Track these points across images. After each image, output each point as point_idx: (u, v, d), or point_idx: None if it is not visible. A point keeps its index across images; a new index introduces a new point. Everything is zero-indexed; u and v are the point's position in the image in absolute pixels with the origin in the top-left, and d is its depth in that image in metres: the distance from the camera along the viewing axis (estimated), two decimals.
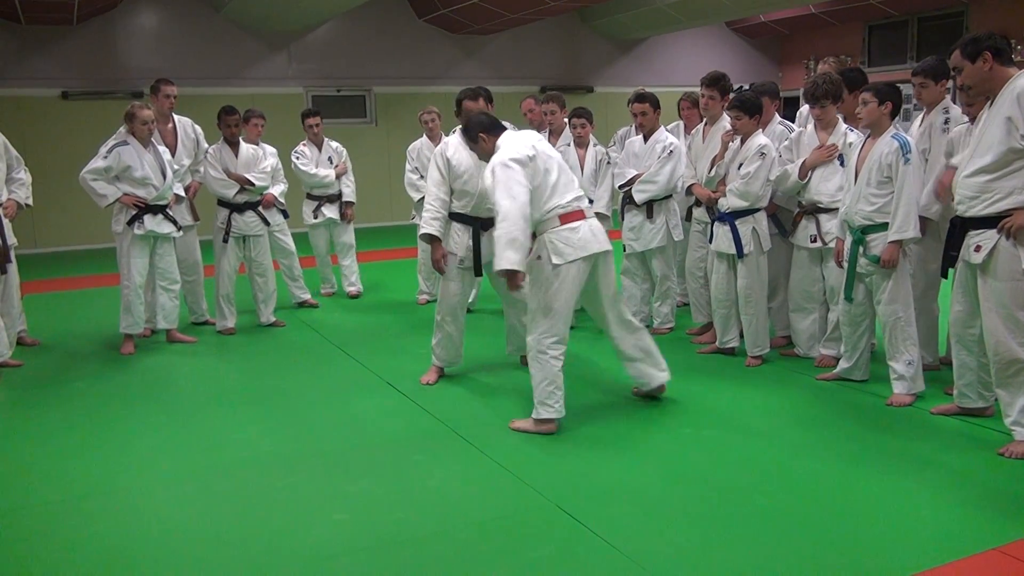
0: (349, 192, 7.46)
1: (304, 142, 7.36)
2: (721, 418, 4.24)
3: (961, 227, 3.76)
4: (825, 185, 4.80)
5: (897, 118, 4.38)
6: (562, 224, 4.03)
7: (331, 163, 7.36)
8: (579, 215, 4.09)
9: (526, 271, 4.03)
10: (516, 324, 4.96)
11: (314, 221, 7.39)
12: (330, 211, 7.38)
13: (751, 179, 4.84)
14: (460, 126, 4.53)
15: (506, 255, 3.87)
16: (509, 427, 4.13)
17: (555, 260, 4.00)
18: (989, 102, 3.64)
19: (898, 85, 4.48)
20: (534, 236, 4.09)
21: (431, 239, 4.74)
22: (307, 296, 7.21)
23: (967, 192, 3.67)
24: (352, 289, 7.58)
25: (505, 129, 4.34)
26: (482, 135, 4.29)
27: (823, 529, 3.05)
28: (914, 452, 3.72)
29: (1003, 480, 3.42)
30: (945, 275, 4.04)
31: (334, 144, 7.48)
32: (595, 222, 4.16)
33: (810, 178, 4.86)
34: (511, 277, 4.00)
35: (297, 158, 7.27)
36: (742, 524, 3.10)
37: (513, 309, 4.95)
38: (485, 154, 4.29)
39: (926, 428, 4.00)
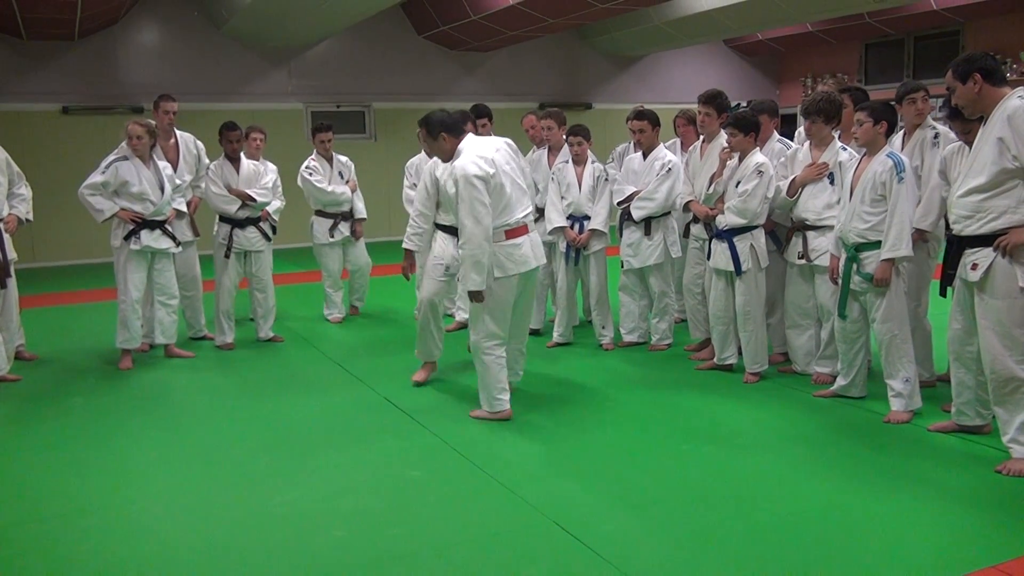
0: (361, 208, 7.21)
1: (313, 156, 7.10)
2: (719, 435, 4.24)
3: (958, 245, 3.78)
4: (813, 202, 4.82)
5: (892, 136, 4.43)
6: (507, 239, 4.42)
7: (342, 178, 7.14)
8: (523, 230, 4.47)
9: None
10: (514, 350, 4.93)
11: (331, 240, 7.07)
12: (346, 229, 7.13)
13: (749, 197, 4.86)
14: (421, 120, 4.65)
15: (471, 277, 4.31)
16: (470, 415, 4.54)
17: (496, 273, 4.38)
18: (983, 122, 3.68)
19: (893, 104, 4.53)
20: None
21: (407, 252, 5.13)
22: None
23: (962, 211, 3.70)
24: (358, 304, 7.49)
25: (466, 133, 4.55)
26: (443, 134, 4.49)
27: (820, 546, 3.05)
28: (911, 469, 3.72)
29: (1000, 498, 3.42)
30: (944, 293, 4.06)
31: (343, 158, 7.27)
32: (535, 236, 4.57)
33: (799, 195, 4.89)
34: (475, 295, 4.40)
35: (310, 174, 6.98)
36: (739, 541, 3.09)
37: (515, 332, 4.88)
38: (443, 153, 4.55)
39: (923, 445, 4.00)
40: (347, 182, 7.17)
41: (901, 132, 4.84)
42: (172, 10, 12.05)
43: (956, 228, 3.76)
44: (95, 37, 11.61)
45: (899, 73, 13.90)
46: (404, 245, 5.13)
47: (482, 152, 4.37)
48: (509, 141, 4.66)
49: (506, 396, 4.51)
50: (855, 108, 4.46)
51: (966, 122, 3.97)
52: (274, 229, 6.70)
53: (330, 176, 7.09)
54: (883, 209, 4.23)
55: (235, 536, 3.24)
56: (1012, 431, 3.67)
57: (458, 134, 4.50)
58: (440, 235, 5.15)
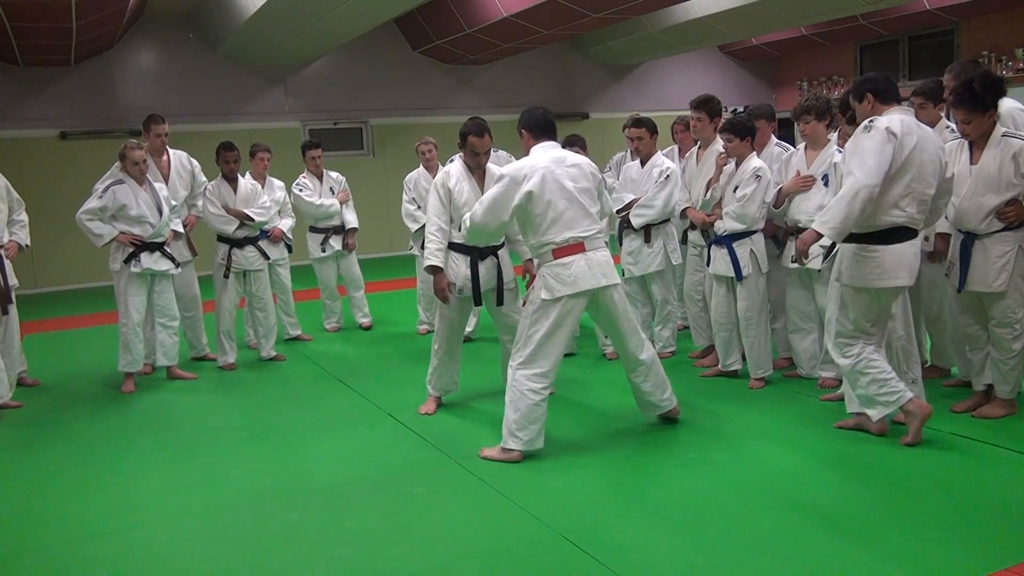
0: (352, 219, 7.33)
1: (304, 174, 7.26)
2: (725, 442, 4.21)
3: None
4: (806, 204, 4.80)
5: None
6: (555, 259, 4.05)
7: (332, 193, 7.28)
8: (576, 248, 4.04)
9: (526, 298, 4.23)
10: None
11: (322, 255, 7.24)
12: (337, 243, 7.27)
13: (747, 202, 4.84)
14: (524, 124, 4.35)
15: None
16: (478, 455, 4.10)
17: (544, 295, 4.04)
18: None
19: None
20: (531, 261, 4.31)
21: (435, 270, 4.66)
22: (299, 331, 7.16)
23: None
24: (365, 320, 7.52)
25: (551, 140, 4.27)
26: (524, 131, 4.29)
27: (831, 553, 3.01)
28: (923, 471, 3.69)
29: (1015, 499, 3.38)
30: (960, 289, 4.04)
31: (334, 174, 7.41)
32: (596, 255, 4.08)
33: (791, 199, 4.88)
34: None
35: (300, 190, 7.17)
36: (749, 550, 3.06)
37: (509, 338, 4.90)
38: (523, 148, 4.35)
39: (935, 447, 3.96)
40: (337, 195, 7.30)
41: None
42: (167, 33, 12.10)
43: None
44: (91, 62, 11.65)
45: (895, 74, 13.90)
46: (428, 263, 4.63)
47: (539, 162, 4.10)
48: (589, 162, 4.31)
49: (524, 436, 4.01)
50: (846, 120, 4.46)
51: (969, 112, 3.98)
52: (289, 248, 6.89)
53: (320, 192, 7.25)
54: None
55: (240, 559, 3.21)
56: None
57: (539, 137, 4.25)
58: (452, 255, 4.72)
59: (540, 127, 4.26)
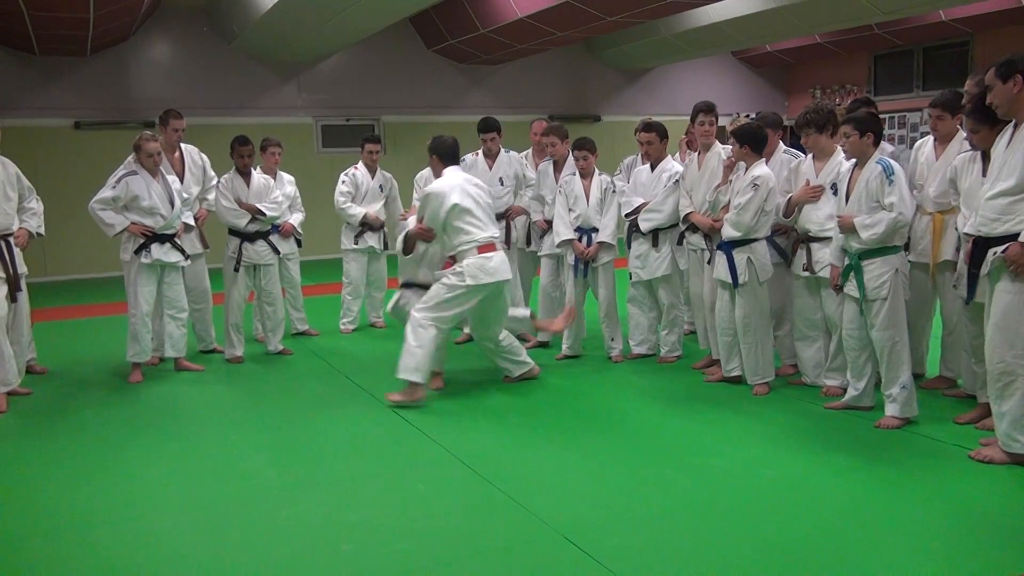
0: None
1: (356, 165, 7.26)
2: (728, 447, 4.22)
3: (983, 245, 3.79)
4: (815, 214, 4.82)
5: (893, 144, 4.44)
6: (480, 253, 4.98)
7: (382, 191, 7.29)
8: (492, 247, 5.04)
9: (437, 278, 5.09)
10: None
11: (355, 247, 7.23)
12: (371, 239, 7.26)
13: (742, 210, 4.85)
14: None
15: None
16: (387, 399, 4.96)
17: (469, 281, 4.93)
18: (1014, 125, 3.70)
19: (875, 112, 4.62)
20: (453, 260, 5.06)
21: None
22: (307, 326, 7.19)
23: (989, 213, 3.73)
24: (379, 321, 7.51)
25: (456, 165, 5.26)
26: (434, 156, 5.24)
27: (832, 560, 3.02)
28: (925, 480, 3.69)
29: (1018, 507, 3.38)
30: (969, 300, 4.01)
31: (387, 174, 7.46)
32: (501, 254, 5.11)
33: (800, 208, 4.89)
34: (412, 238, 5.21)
35: (342, 182, 7.15)
36: (748, 555, 3.07)
37: (484, 333, 5.39)
38: (432, 170, 5.40)
39: (937, 457, 3.96)
40: (384, 195, 7.34)
41: (931, 139, 4.83)
42: (182, 26, 12.16)
43: (984, 230, 3.77)
44: (107, 53, 11.72)
45: (908, 84, 13.89)
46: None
47: (455, 181, 5.08)
48: (480, 183, 5.30)
49: (425, 371, 4.99)
50: (841, 122, 4.49)
51: (977, 123, 3.99)
52: (299, 242, 6.90)
53: (368, 186, 7.23)
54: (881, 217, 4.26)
55: (243, 551, 3.24)
56: (1004, 425, 3.71)
57: (447, 162, 5.21)
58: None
59: (449, 155, 5.24)
